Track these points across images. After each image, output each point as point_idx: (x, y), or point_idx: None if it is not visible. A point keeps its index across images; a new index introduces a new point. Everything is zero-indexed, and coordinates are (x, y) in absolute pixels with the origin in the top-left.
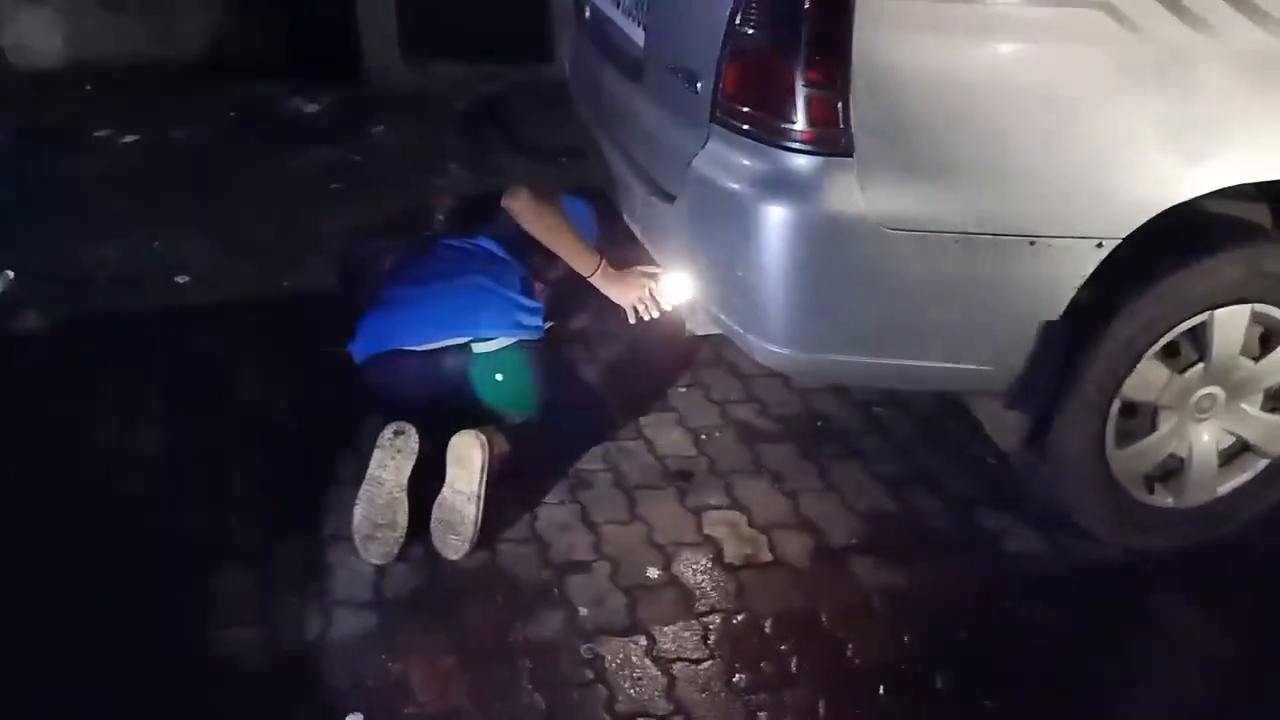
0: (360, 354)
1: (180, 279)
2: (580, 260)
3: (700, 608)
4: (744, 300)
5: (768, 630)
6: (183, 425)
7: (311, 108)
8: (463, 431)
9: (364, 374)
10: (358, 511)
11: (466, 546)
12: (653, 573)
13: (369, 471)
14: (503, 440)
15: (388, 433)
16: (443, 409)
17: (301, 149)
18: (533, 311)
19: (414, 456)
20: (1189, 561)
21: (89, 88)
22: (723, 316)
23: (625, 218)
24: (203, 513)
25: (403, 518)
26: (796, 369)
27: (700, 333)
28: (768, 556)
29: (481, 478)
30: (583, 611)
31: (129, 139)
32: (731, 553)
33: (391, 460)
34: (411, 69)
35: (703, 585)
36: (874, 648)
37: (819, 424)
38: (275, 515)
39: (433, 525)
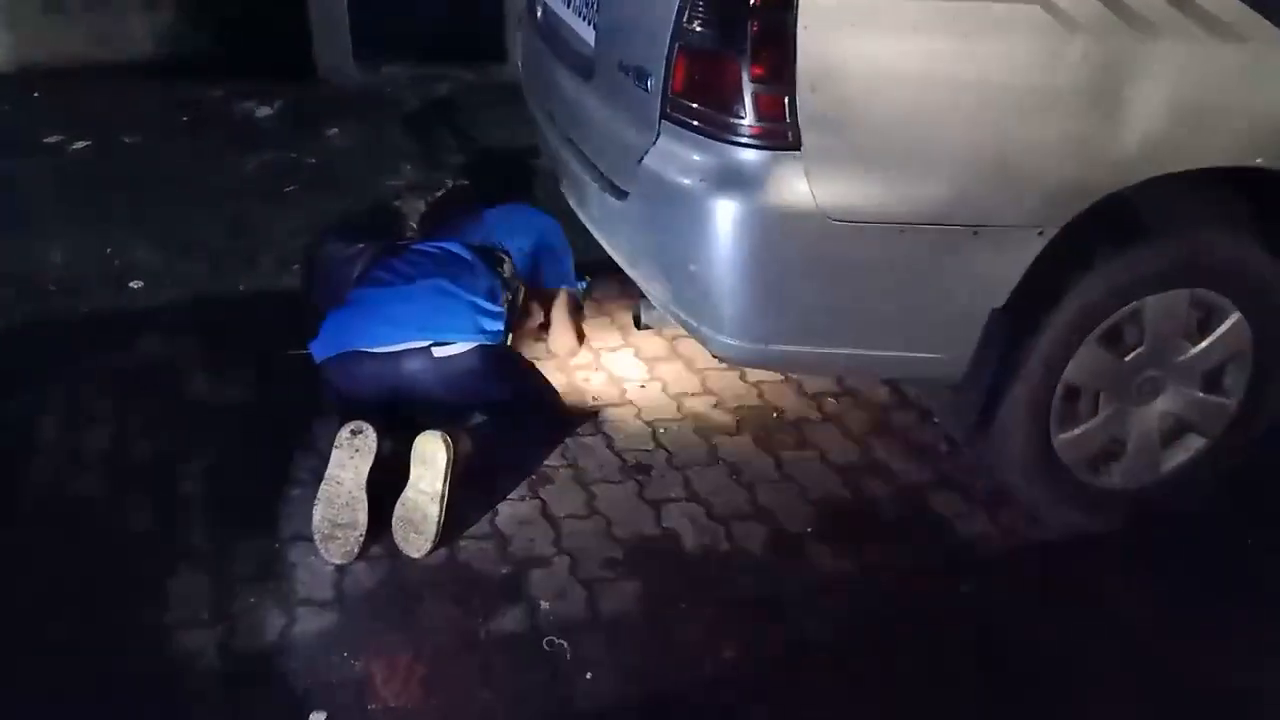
0: (320, 354)
1: (134, 284)
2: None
3: (660, 598)
4: (697, 293)
5: (728, 618)
6: (137, 428)
7: (264, 110)
8: (427, 431)
9: (323, 374)
10: (317, 511)
11: (428, 545)
12: (612, 566)
13: (328, 471)
14: (467, 441)
15: (345, 432)
16: (401, 410)
17: (255, 151)
18: (494, 316)
19: (372, 455)
20: (1132, 541)
21: (36, 94)
22: (676, 310)
23: (579, 214)
24: (159, 514)
25: (363, 517)
26: (750, 360)
27: (654, 327)
28: (726, 546)
29: (446, 477)
30: (544, 605)
31: (80, 144)
32: (691, 543)
33: (350, 459)
34: (363, 70)
35: (663, 576)
36: (832, 631)
37: (774, 415)
38: (233, 516)
39: (394, 523)
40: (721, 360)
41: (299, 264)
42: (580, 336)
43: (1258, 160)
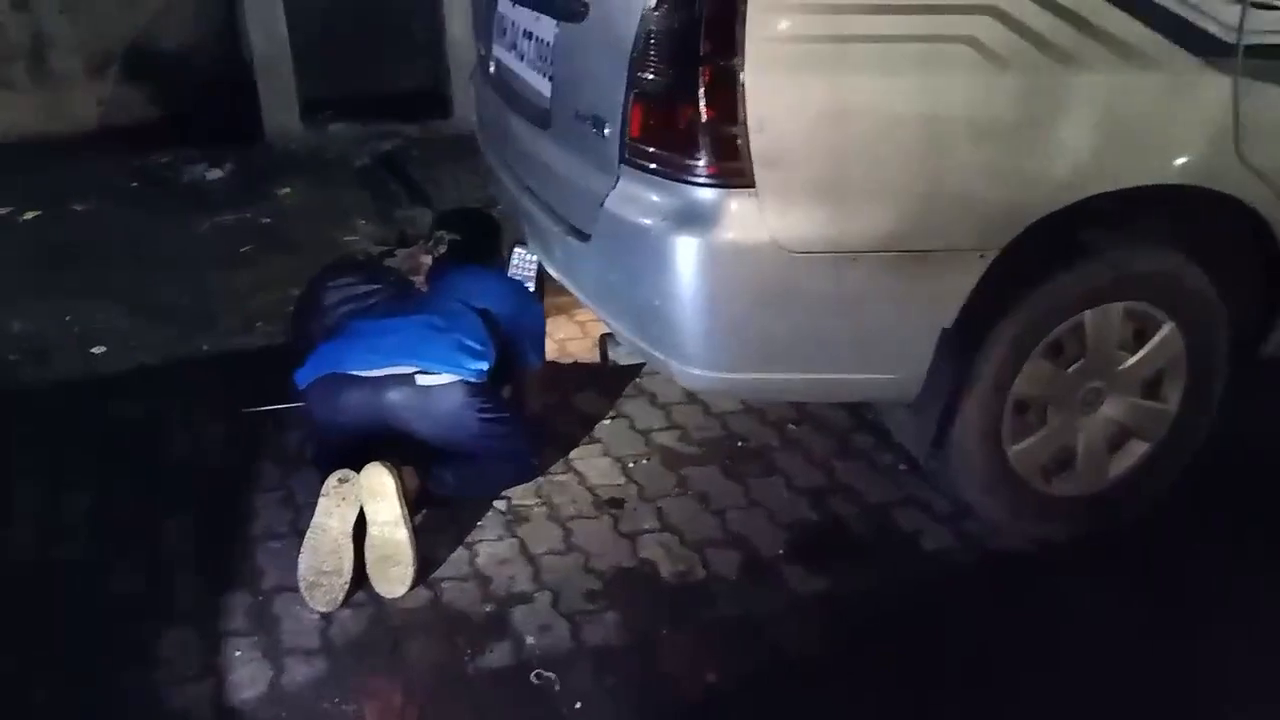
0: (304, 379)
1: (96, 349)
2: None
3: (642, 627)
4: (663, 328)
5: (709, 641)
6: (112, 491)
7: (214, 174)
8: (368, 466)
9: (307, 401)
10: (302, 559)
11: (409, 574)
12: (593, 598)
13: (314, 519)
14: (412, 474)
15: (332, 480)
16: (379, 442)
17: (208, 214)
18: (479, 355)
19: (358, 504)
20: (1088, 547)
21: None
22: (643, 345)
23: (541, 260)
24: (139, 575)
25: (348, 564)
26: (717, 389)
27: (623, 363)
28: (703, 573)
29: (400, 501)
30: (529, 640)
31: (30, 215)
32: (667, 572)
33: (336, 508)
34: (311, 130)
35: (643, 605)
36: (808, 648)
37: (739, 445)
38: (214, 572)
39: (370, 568)
40: (690, 390)
41: (261, 321)
42: (553, 388)
43: (1170, 177)
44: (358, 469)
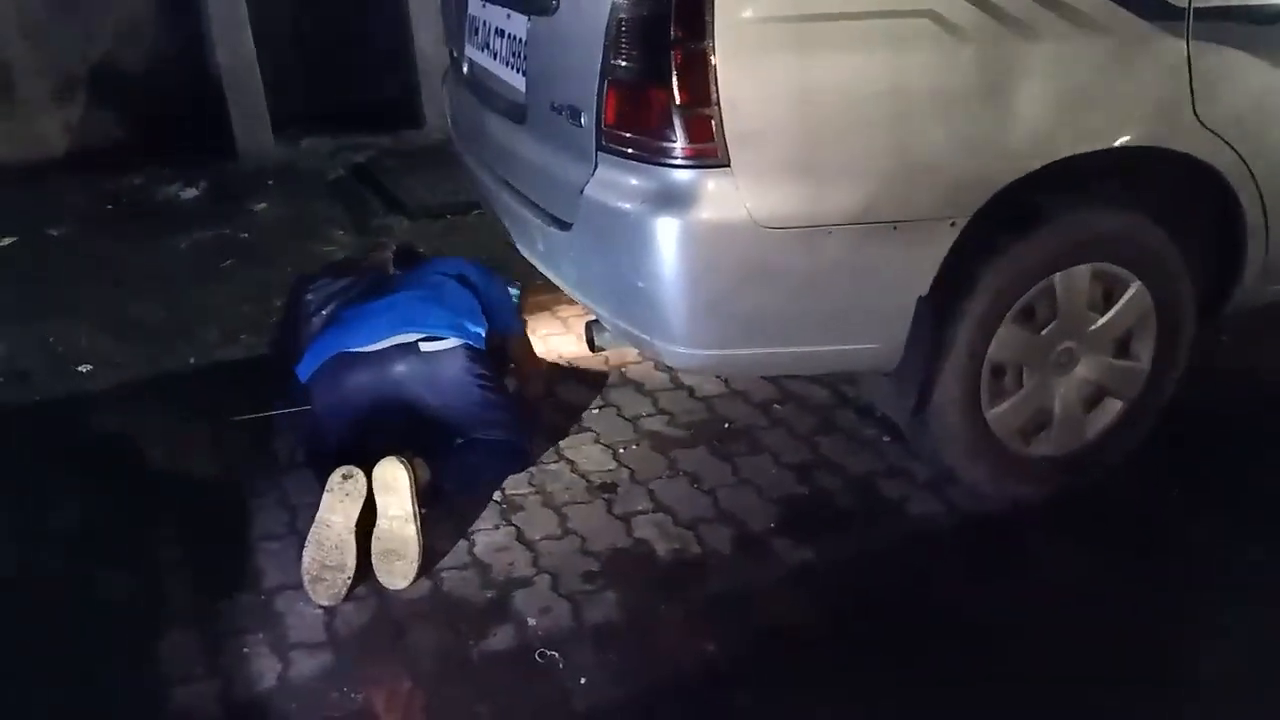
0: (306, 370)
1: (82, 368)
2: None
3: (640, 604)
4: (646, 309)
5: (705, 615)
6: (106, 502)
7: (189, 192)
8: (384, 459)
9: (311, 392)
10: (306, 554)
11: (413, 569)
12: (591, 579)
13: (318, 515)
14: (424, 466)
15: (336, 476)
16: (388, 424)
17: (185, 232)
18: (475, 320)
19: (362, 499)
20: (1070, 504)
21: None
22: (628, 328)
23: (523, 252)
24: (140, 582)
25: (351, 559)
26: (703, 366)
27: (608, 348)
28: (697, 549)
29: (413, 498)
30: (531, 622)
31: (6, 241)
32: (662, 550)
33: (340, 503)
34: (283, 146)
35: (640, 583)
36: (801, 617)
37: (725, 426)
38: (214, 576)
39: (375, 560)
40: (676, 368)
41: (244, 334)
42: (545, 378)
43: (1129, 139)
44: (359, 465)
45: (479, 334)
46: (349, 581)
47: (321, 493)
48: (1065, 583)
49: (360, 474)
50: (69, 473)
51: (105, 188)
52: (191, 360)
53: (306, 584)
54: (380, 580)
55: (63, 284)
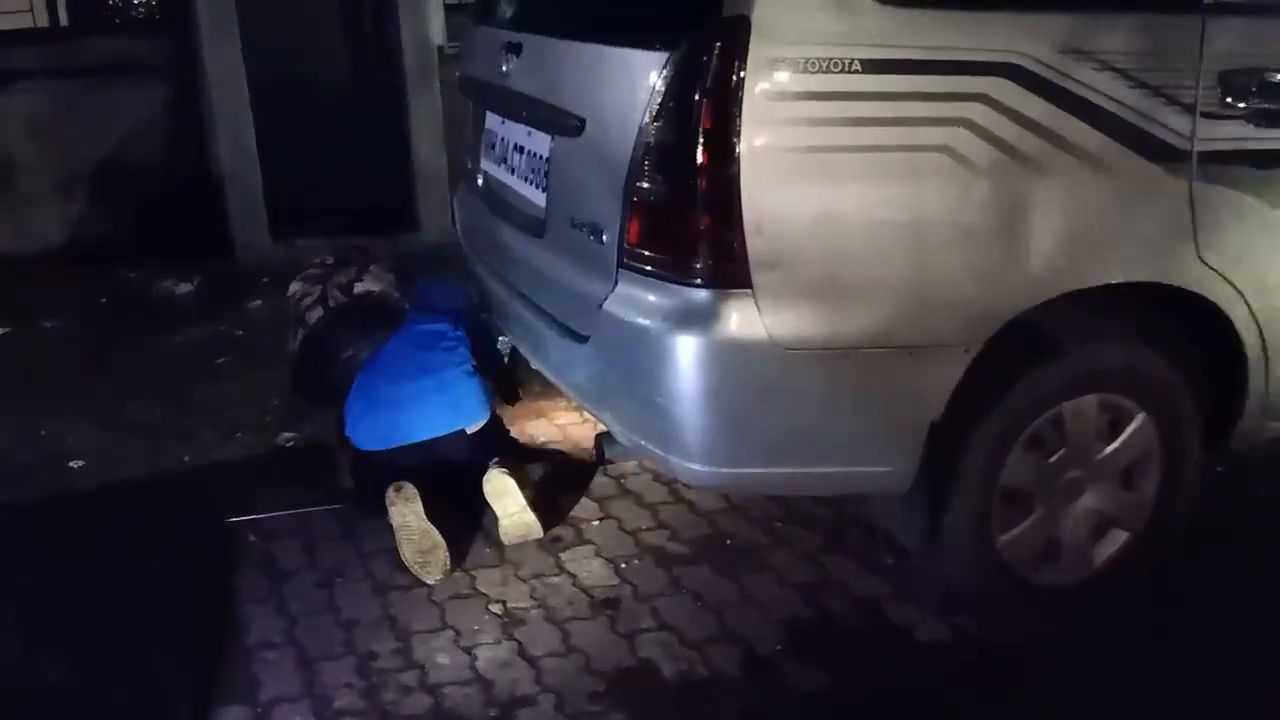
0: (364, 444)
1: (74, 463)
2: None
3: None
4: (662, 424)
5: None
6: (97, 608)
7: (184, 289)
8: (488, 474)
9: (368, 457)
10: (404, 551)
11: (540, 532)
12: (597, 700)
13: (392, 522)
14: (522, 471)
15: (390, 492)
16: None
17: (181, 328)
18: (488, 390)
19: (419, 497)
20: (1076, 631)
21: None
22: (643, 442)
23: (534, 362)
24: (135, 692)
25: (440, 539)
26: (718, 484)
27: (618, 460)
28: (703, 671)
29: (520, 494)
30: None
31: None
32: (669, 671)
33: (406, 506)
34: (280, 246)
35: (647, 706)
36: None
37: (728, 543)
38: (208, 687)
39: (503, 535)
40: (690, 485)
41: (240, 432)
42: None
43: (1134, 276)
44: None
45: (490, 394)
46: (449, 556)
47: (384, 507)
48: (1078, 713)
49: (409, 484)
50: (59, 575)
51: (102, 281)
52: (186, 459)
53: (417, 570)
54: (509, 543)
55: (55, 378)
